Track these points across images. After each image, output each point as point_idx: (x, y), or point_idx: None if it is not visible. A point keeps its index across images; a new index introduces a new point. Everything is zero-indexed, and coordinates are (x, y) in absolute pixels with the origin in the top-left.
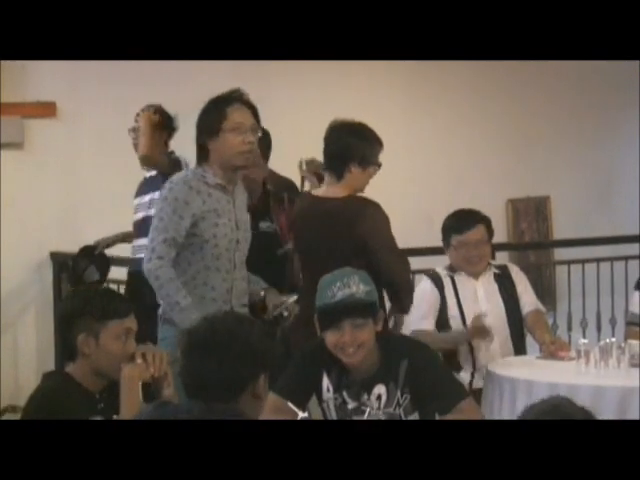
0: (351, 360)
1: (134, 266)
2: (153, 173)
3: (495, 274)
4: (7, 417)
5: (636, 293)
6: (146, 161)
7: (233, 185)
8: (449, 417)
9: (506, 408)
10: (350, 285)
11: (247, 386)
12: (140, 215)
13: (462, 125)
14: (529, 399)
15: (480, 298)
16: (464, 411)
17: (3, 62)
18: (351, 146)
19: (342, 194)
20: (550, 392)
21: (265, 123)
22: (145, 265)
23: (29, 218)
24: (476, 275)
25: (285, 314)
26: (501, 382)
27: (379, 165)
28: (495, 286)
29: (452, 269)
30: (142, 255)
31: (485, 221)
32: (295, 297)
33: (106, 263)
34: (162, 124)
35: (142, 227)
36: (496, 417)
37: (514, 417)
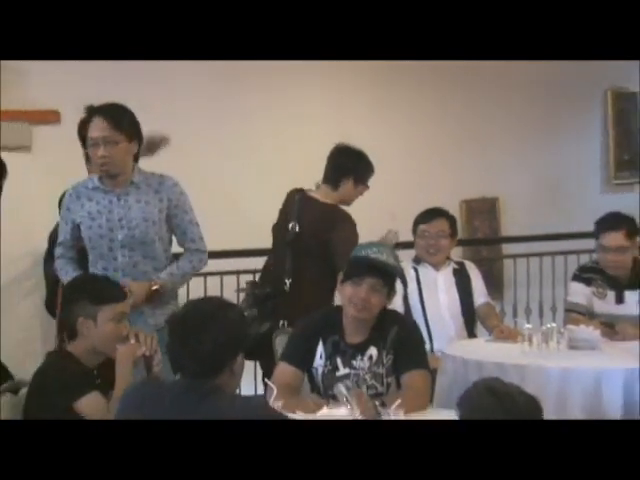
0: (357, 315)
1: None
2: None
3: (454, 269)
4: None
5: (573, 284)
6: None
7: (123, 185)
8: (402, 379)
9: (458, 384)
10: (383, 253)
11: (226, 364)
12: None
13: (422, 132)
14: (479, 377)
15: (439, 289)
16: (415, 378)
17: (13, 71)
18: (349, 166)
19: (332, 201)
20: (498, 371)
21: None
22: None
23: (33, 215)
24: (437, 267)
25: None
26: (455, 362)
27: (367, 187)
28: (453, 279)
29: (417, 260)
30: None
31: (449, 217)
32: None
33: None
34: None
35: None
36: (447, 393)
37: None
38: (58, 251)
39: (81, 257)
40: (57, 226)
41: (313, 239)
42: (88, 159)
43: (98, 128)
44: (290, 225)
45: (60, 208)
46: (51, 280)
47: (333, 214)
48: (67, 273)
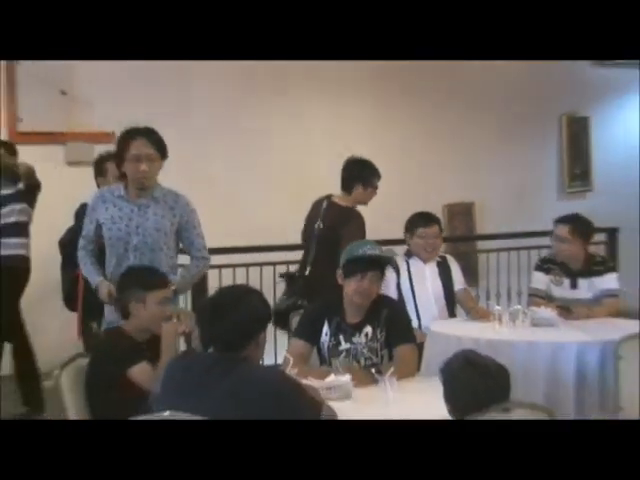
0: (361, 301)
1: None
2: None
3: (438, 261)
4: (79, 362)
5: (535, 273)
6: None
7: (145, 198)
8: (394, 352)
9: (441, 355)
10: (376, 249)
11: (252, 339)
12: None
13: (414, 148)
14: (458, 349)
15: (426, 277)
16: (405, 351)
17: (78, 101)
18: (356, 174)
19: (347, 204)
20: (474, 344)
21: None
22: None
23: None
24: (426, 261)
25: None
26: (438, 337)
27: (376, 188)
28: (437, 270)
29: (409, 254)
30: None
31: (439, 222)
32: None
33: None
34: None
35: None
36: (432, 363)
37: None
38: (81, 243)
39: (100, 251)
40: (66, 233)
41: (332, 234)
42: (101, 174)
43: (142, 146)
44: (317, 224)
45: (75, 218)
46: (68, 281)
47: (348, 213)
48: (86, 265)
